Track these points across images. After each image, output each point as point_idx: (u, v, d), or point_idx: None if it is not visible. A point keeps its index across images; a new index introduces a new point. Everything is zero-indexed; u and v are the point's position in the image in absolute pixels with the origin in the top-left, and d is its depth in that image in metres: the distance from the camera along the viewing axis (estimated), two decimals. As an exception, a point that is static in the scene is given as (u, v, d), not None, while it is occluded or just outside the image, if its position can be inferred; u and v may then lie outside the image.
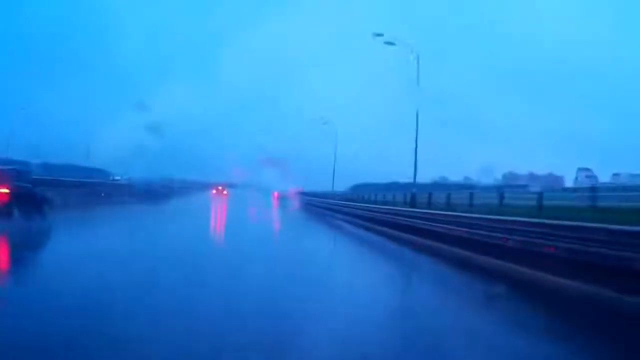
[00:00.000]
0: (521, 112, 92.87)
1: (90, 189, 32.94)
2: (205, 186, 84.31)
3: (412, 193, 21.91)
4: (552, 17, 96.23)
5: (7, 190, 14.82)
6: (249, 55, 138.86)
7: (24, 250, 10.92)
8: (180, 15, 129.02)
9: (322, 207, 37.63)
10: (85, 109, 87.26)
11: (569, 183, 65.72)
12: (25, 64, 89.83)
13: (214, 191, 67.15)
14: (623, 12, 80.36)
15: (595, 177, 66.75)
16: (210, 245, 15.10)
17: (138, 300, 6.64)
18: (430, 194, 21.22)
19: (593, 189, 16.68)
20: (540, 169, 75.40)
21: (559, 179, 70.19)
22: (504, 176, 77.09)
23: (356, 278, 10.46)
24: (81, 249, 11.27)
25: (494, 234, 11.58)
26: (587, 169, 68.76)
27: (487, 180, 64.23)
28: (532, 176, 75.08)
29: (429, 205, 20.04)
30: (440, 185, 67.75)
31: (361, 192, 46.63)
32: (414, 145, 20.85)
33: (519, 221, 11.24)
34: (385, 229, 19.97)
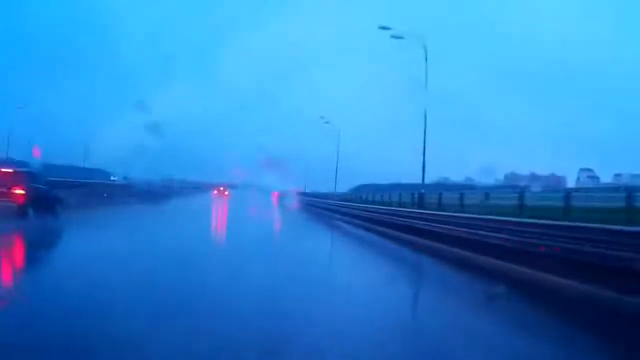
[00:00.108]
0: (522, 113, 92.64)
1: (90, 190, 32.52)
2: (206, 187, 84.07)
3: (420, 194, 21.15)
4: (552, 17, 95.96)
5: (23, 192, 15.51)
6: (250, 55, 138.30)
7: (40, 248, 11.43)
8: (181, 15, 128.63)
9: (326, 208, 36.74)
10: (85, 108, 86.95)
11: (571, 183, 65.42)
12: (25, 64, 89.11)
13: (215, 192, 67.35)
14: (624, 12, 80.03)
15: (597, 177, 66.54)
16: (212, 245, 15.39)
17: (150, 293, 7.08)
18: (440, 195, 20.27)
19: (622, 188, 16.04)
20: (542, 170, 75.18)
21: (561, 179, 69.87)
22: (506, 177, 76.67)
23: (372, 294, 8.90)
24: (92, 247, 11.83)
25: (528, 240, 9.97)
26: (589, 170, 68.48)
27: (489, 180, 63.77)
28: (534, 176, 74.65)
29: (440, 206, 19.16)
30: (442, 186, 67.21)
31: (363, 193, 46.03)
32: (421, 145, 20.43)
33: (559, 225, 9.83)
34: (399, 233, 18.13)
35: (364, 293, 8.41)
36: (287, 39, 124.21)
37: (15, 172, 16.25)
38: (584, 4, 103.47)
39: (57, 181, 22.47)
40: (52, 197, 17.72)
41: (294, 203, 53.36)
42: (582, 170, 67.14)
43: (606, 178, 62.51)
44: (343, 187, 47.78)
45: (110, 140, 64.56)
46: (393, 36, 21.49)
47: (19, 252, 11.11)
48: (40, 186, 16.90)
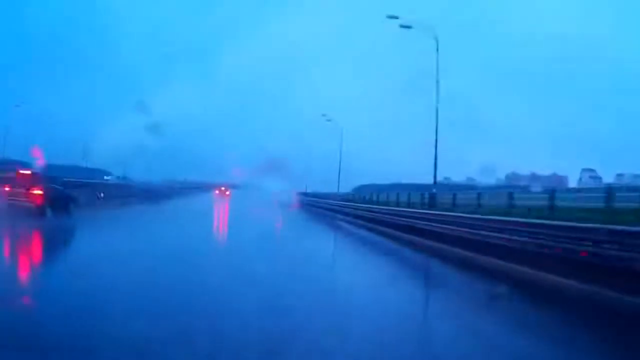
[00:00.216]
0: (524, 112, 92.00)
1: (92, 189, 31.80)
2: (207, 187, 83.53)
3: (432, 194, 20.20)
4: (553, 16, 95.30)
5: (41, 192, 16.50)
6: (250, 54, 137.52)
7: (60, 245, 12.43)
8: (181, 15, 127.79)
9: (328, 209, 35.69)
10: (85, 108, 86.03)
11: (572, 183, 64.76)
12: (25, 64, 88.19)
13: (217, 192, 67.24)
14: (624, 12, 79.42)
15: (599, 177, 65.82)
16: (216, 243, 15.76)
17: (167, 285, 7.61)
18: (455, 195, 19.20)
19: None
20: (543, 170, 74.49)
21: (562, 180, 69.19)
22: (507, 177, 76.01)
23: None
24: (108, 244, 12.37)
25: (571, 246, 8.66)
26: (591, 170, 67.79)
27: (490, 180, 63.08)
28: (535, 177, 74.04)
29: (454, 206, 18.12)
30: (444, 186, 66.39)
31: (364, 193, 45.15)
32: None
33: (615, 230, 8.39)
34: (417, 238, 15.81)
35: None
36: (287, 38, 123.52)
37: (33, 173, 17.19)
38: (585, 4, 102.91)
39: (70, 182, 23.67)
40: (67, 197, 18.85)
41: (295, 203, 52.67)
42: (584, 170, 66.50)
43: (608, 178, 61.90)
44: (344, 187, 46.88)
45: (110, 140, 63.79)
46: (402, 26, 20.55)
47: (39, 248, 11.89)
48: (56, 187, 18.12)
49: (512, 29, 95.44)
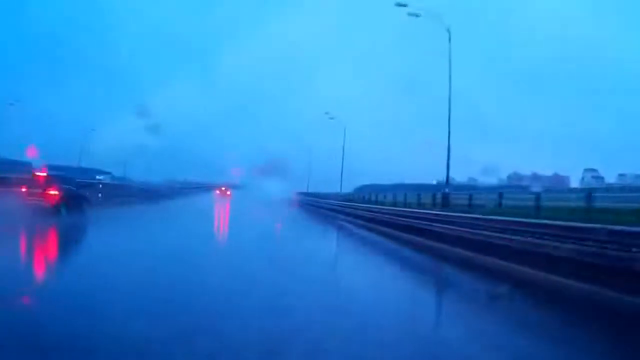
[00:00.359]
0: (525, 113, 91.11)
1: (94, 189, 31.36)
2: (208, 187, 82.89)
3: (445, 194, 19.04)
4: (554, 17, 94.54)
5: (56, 193, 17.22)
6: (251, 54, 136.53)
7: (72, 241, 13.12)
8: (181, 15, 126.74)
9: (330, 209, 34.41)
10: (84, 108, 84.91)
11: (574, 183, 63.86)
12: (24, 63, 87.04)
13: (218, 192, 67.24)
14: (626, 12, 78.65)
15: (601, 177, 64.95)
16: (218, 241, 15.89)
17: (180, 277, 8.25)
18: (471, 195, 17.68)
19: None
20: (545, 170, 73.60)
21: (564, 180, 68.32)
22: (509, 177, 75.07)
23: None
24: (123, 240, 13.09)
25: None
26: (593, 170, 66.88)
27: (491, 180, 62.11)
28: (537, 177, 73.15)
29: (470, 207, 16.71)
30: (445, 186, 65.37)
31: (366, 193, 44.13)
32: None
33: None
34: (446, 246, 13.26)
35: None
36: (287, 38, 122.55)
37: (48, 175, 17.92)
38: (587, 4, 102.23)
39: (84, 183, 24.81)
40: (80, 197, 19.70)
41: (297, 203, 51.77)
42: (586, 170, 65.61)
43: (610, 178, 61.12)
44: (345, 187, 45.73)
45: (109, 140, 62.81)
46: (410, 14, 19.51)
47: (57, 244, 12.58)
48: (71, 187, 19.00)
49: (513, 29, 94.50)
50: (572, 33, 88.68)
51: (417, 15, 19.61)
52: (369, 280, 9.54)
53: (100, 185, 35.27)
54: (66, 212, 17.18)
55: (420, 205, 21.14)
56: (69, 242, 12.94)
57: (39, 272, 8.58)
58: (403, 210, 18.93)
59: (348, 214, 27.55)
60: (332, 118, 40.27)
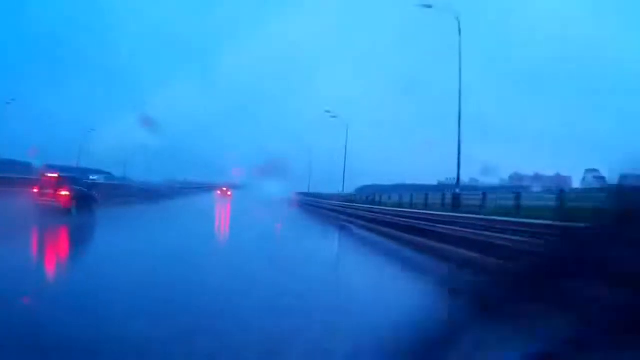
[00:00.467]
0: (526, 113, 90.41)
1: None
2: (209, 187, 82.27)
3: (456, 194, 18.14)
4: (555, 17, 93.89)
5: (67, 193, 17.80)
6: (251, 54, 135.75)
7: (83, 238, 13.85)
8: (181, 15, 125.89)
9: (332, 210, 33.47)
10: (83, 108, 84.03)
11: (576, 184, 63.06)
12: (24, 63, 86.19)
13: (219, 192, 66.48)
14: (627, 13, 78.03)
15: (603, 177, 64.21)
16: (216, 241, 15.96)
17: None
18: (484, 194, 16.19)
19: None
20: (547, 170, 72.81)
21: (566, 180, 67.52)
22: (510, 177, 74.30)
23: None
24: (133, 237, 13.94)
25: None
26: (595, 170, 66.07)
27: (493, 181, 61.31)
28: (539, 177, 72.44)
29: (482, 207, 15.58)
30: (446, 187, 64.65)
31: (367, 194, 43.26)
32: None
33: None
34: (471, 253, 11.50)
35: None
36: (287, 38, 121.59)
37: (60, 176, 18.55)
38: (590, 5, 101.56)
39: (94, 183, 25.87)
40: (90, 197, 20.15)
41: (298, 204, 51.05)
42: (587, 170, 64.60)
43: (613, 179, 60.28)
44: (346, 188, 44.69)
45: (109, 140, 62.04)
46: (422, 5, 18.71)
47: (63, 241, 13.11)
48: (81, 188, 19.51)
49: (514, 29, 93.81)
50: (573, 33, 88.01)
51: (429, 7, 18.80)
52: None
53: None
54: (76, 212, 17.85)
55: (427, 206, 20.24)
56: (81, 240, 13.69)
57: (54, 269, 9.13)
58: (417, 213, 17.83)
59: (350, 215, 26.63)
60: (334, 117, 39.44)
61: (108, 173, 50.95)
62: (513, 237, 9.50)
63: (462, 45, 17.64)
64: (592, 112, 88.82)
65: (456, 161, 17.77)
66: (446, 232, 12.92)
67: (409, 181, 58.42)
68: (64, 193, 17.62)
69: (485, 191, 18.05)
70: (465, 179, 68.67)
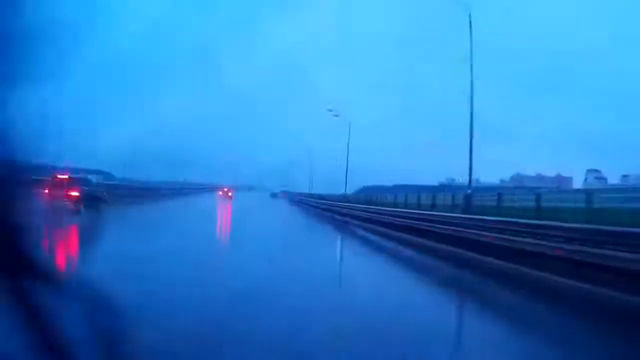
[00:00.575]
0: (527, 113, 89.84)
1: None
2: (210, 188, 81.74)
3: (467, 194, 17.30)
4: (555, 17, 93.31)
5: (77, 194, 18.57)
6: (254, 55, 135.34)
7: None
8: (182, 15, 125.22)
9: (336, 212, 32.58)
10: (84, 108, 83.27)
11: (577, 184, 62.41)
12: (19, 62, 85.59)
13: (220, 193, 66.37)
14: (628, 14, 77.41)
15: (604, 178, 63.50)
16: (216, 241, 16.14)
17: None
18: (499, 194, 15.21)
19: None
20: (548, 170, 72.21)
21: (567, 180, 66.88)
22: (512, 178, 73.71)
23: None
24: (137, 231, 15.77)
25: None
26: (597, 170, 65.48)
27: (494, 181, 60.59)
28: (540, 177, 71.80)
29: (499, 209, 14.64)
30: (448, 187, 63.99)
31: (368, 194, 42.39)
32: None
33: None
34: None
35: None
36: (289, 39, 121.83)
37: (70, 177, 19.34)
38: (591, 5, 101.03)
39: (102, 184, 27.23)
40: (97, 197, 20.78)
41: (299, 205, 50.30)
42: (589, 171, 64.28)
43: (614, 179, 59.80)
44: (346, 189, 43.73)
45: (110, 140, 61.32)
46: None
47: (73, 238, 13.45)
48: (89, 189, 20.43)
49: (514, 28, 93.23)
50: (574, 33, 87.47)
51: None
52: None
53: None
54: (85, 211, 18.49)
55: (434, 207, 19.41)
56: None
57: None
58: (436, 215, 16.73)
59: (354, 217, 25.76)
60: (336, 115, 38.60)
61: (107, 173, 50.09)
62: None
63: (466, 43, 16.74)
64: (594, 112, 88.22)
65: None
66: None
67: (409, 182, 57.84)
68: (74, 194, 18.45)
69: (500, 192, 16.96)
70: (466, 179, 68.09)
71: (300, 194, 66.13)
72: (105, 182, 38.78)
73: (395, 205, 24.58)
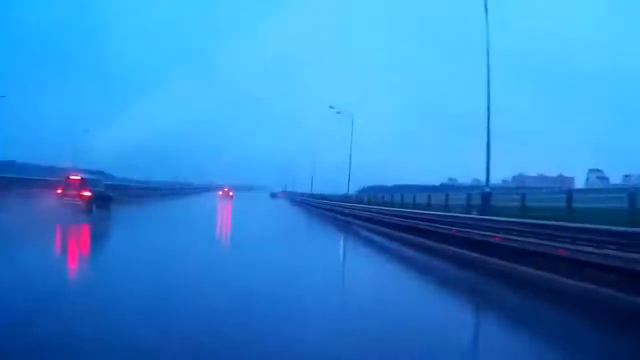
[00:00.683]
0: (529, 113, 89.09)
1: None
2: (211, 188, 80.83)
3: (485, 194, 16.34)
4: (556, 16, 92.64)
5: (89, 194, 19.12)
6: (253, 55, 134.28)
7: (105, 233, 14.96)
8: (183, 16, 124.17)
9: (339, 212, 31.60)
10: (84, 108, 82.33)
11: (579, 184, 61.67)
12: (24, 63, 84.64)
13: (220, 192, 65.34)
14: (629, 15, 76.74)
15: (606, 178, 62.79)
16: (216, 239, 15.96)
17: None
18: (524, 194, 14.09)
19: None
20: (550, 171, 71.48)
21: (569, 180, 66.11)
22: (514, 178, 72.88)
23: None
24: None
25: None
26: (598, 170, 64.78)
27: (496, 181, 59.69)
28: (542, 177, 71.03)
29: (524, 210, 13.58)
30: (449, 187, 63.36)
31: (369, 194, 41.53)
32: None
33: None
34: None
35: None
36: (289, 39, 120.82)
37: (82, 178, 19.73)
38: (592, 6, 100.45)
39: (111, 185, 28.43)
40: (107, 197, 21.59)
41: (300, 205, 49.44)
42: (591, 171, 63.66)
43: (615, 179, 59.17)
44: (346, 189, 42.66)
45: (109, 140, 60.42)
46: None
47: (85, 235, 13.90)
48: (100, 189, 20.83)
49: (514, 29, 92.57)
50: (574, 33, 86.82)
51: None
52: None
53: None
54: (96, 210, 19.22)
55: (447, 207, 18.43)
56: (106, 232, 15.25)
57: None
58: (436, 215, 15.72)
59: (361, 218, 24.80)
60: (338, 112, 37.58)
61: (108, 174, 49.29)
62: None
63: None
64: (595, 112, 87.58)
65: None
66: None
67: (409, 182, 57.06)
68: (86, 194, 18.95)
69: (524, 192, 15.57)
70: (468, 180, 67.30)
71: (302, 194, 65.25)
72: (107, 183, 38.22)
73: (402, 205, 23.60)
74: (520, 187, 58.09)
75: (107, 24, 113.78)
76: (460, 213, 15.79)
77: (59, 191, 18.98)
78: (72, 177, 19.51)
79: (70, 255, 9.83)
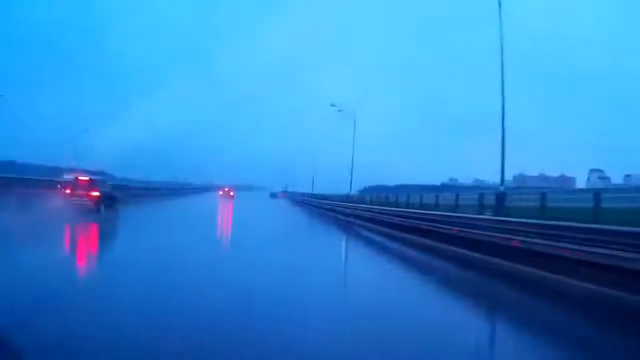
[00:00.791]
0: (529, 113, 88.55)
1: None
2: (211, 188, 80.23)
3: (500, 193, 15.66)
4: (556, 17, 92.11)
5: (97, 194, 19.41)
6: (253, 55, 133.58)
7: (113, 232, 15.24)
8: (183, 16, 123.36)
9: (341, 213, 30.95)
10: (84, 109, 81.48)
11: (580, 184, 61.07)
12: (24, 63, 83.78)
13: (221, 192, 64.73)
14: (629, 15, 76.29)
15: (607, 178, 62.22)
16: (218, 239, 16.28)
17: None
18: (544, 194, 13.13)
19: None
20: (551, 170, 70.94)
21: (570, 180, 65.57)
22: (515, 178, 72.24)
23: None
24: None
25: None
26: (600, 170, 64.21)
27: (497, 181, 59.08)
28: (543, 177, 70.47)
29: (543, 211, 12.89)
30: (449, 187, 62.72)
31: (371, 194, 40.83)
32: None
33: None
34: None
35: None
36: (289, 39, 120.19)
37: (90, 179, 19.91)
38: (593, 6, 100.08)
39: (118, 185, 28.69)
40: (114, 198, 21.85)
41: (301, 205, 48.84)
42: (592, 171, 63.07)
43: (617, 179, 58.63)
44: (347, 189, 41.92)
45: (110, 140, 59.62)
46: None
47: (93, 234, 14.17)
48: (107, 190, 21.00)
49: (514, 29, 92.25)
50: (573, 33, 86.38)
51: None
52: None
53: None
54: (105, 210, 19.46)
55: (457, 207, 17.72)
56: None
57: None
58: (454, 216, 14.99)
59: (362, 218, 24.07)
60: (340, 110, 36.91)
61: (108, 174, 48.65)
62: None
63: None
64: (595, 112, 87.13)
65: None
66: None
67: (410, 181, 56.42)
68: (94, 194, 19.20)
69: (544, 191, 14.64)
70: (469, 180, 66.61)
71: (303, 194, 64.58)
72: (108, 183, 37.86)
73: (408, 205, 22.91)
74: (521, 187, 57.51)
75: (107, 24, 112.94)
76: (474, 214, 15.13)
77: (68, 191, 19.41)
78: (80, 178, 19.84)
79: (79, 254, 10.17)
